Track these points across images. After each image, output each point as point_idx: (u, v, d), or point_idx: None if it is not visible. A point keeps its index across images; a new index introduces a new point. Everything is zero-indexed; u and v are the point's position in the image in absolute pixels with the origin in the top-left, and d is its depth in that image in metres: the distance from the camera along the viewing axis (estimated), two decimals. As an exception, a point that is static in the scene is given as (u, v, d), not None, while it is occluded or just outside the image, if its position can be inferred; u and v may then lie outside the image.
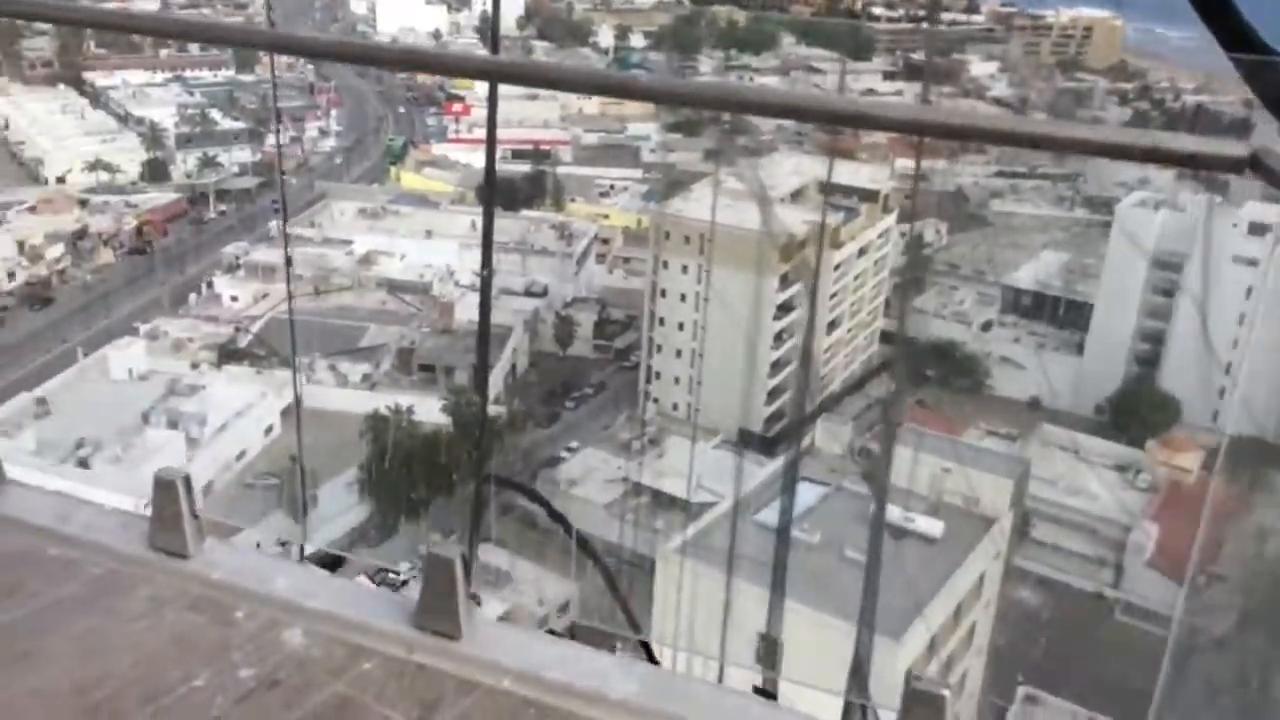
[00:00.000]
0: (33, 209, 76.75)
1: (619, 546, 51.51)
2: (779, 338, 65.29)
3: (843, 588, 32.74)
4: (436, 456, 55.21)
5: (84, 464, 51.89)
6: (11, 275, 69.42)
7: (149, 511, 2.20)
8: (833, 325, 68.04)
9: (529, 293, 71.37)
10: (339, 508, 53.42)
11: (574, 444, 61.29)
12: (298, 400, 56.68)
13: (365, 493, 55.13)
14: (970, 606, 38.83)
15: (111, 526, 2.26)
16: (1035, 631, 46.59)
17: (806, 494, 43.28)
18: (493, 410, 60.43)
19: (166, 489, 2.13)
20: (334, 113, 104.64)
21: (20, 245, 71.16)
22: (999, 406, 65.01)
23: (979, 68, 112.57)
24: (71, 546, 2.17)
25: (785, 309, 65.49)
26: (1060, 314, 72.63)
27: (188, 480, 2.16)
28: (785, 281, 64.68)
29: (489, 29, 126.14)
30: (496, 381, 63.81)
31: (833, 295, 67.21)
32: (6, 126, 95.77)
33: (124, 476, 50.92)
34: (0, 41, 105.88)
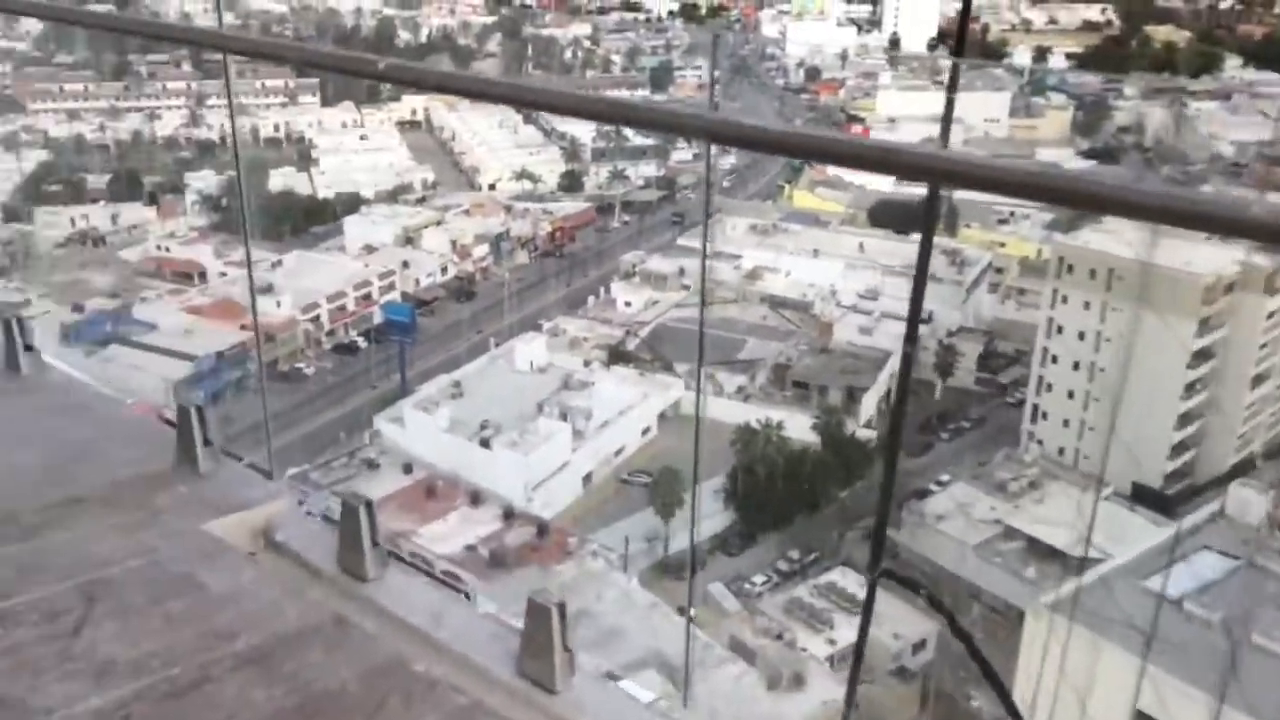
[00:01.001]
0: (467, 212, 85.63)
1: (985, 591, 48.77)
2: (1191, 388, 58.81)
3: (1246, 679, 28.86)
4: (803, 473, 55.10)
5: (485, 444, 56.93)
6: (444, 270, 77.82)
7: (519, 627, 2.03)
8: (1259, 379, 60.38)
9: (913, 318, 69.44)
10: (704, 512, 54.74)
11: (944, 477, 58.77)
12: (698, 418, 58.58)
13: (730, 501, 56.06)
14: None
15: (481, 639, 2.13)
16: None
17: (1210, 566, 38.73)
18: (864, 434, 59.43)
19: (539, 614, 1.95)
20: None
21: (453, 244, 79.64)
22: None
23: None
24: (439, 659, 2.06)
25: (1202, 356, 58.88)
26: None
27: (562, 608, 1.97)
28: (1205, 326, 58.17)
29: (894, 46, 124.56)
30: (870, 405, 62.69)
31: (1262, 346, 59.68)
32: (453, 138, 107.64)
33: (518, 459, 55.43)
34: (458, 61, 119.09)
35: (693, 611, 46.63)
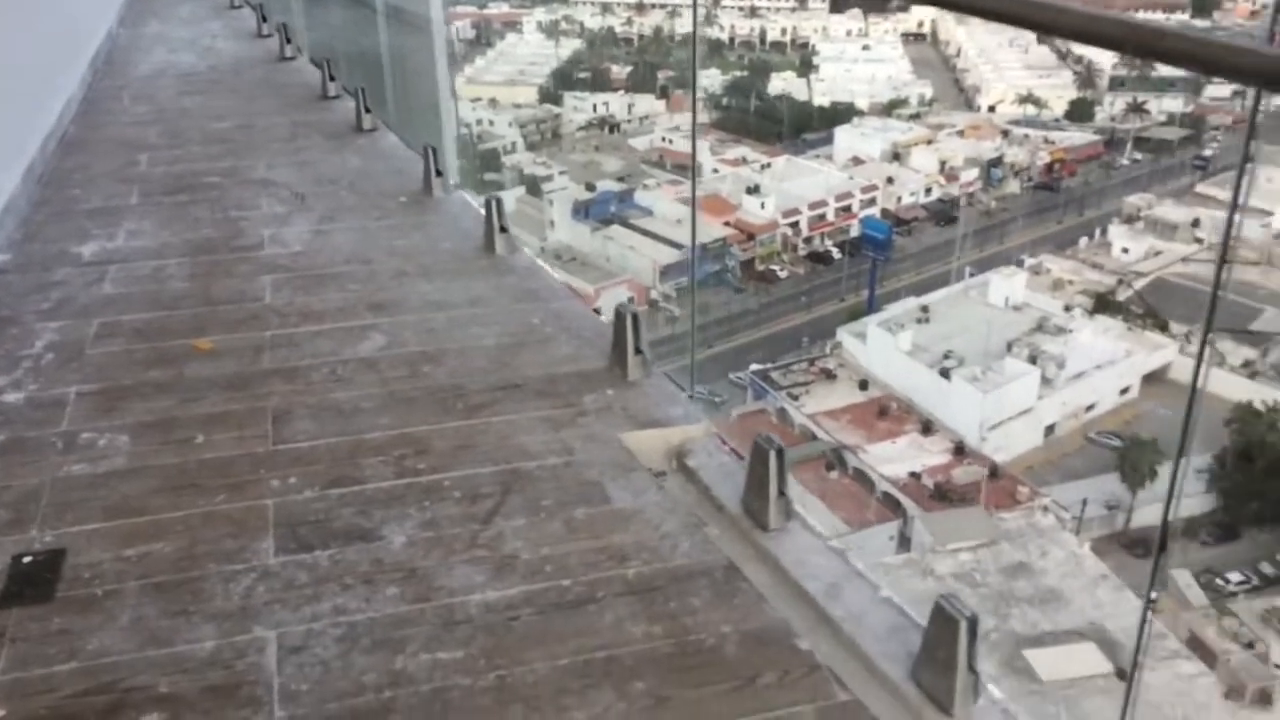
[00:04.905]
0: (961, 133, 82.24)
1: None
2: None
3: None
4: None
5: (945, 374, 55.37)
6: (928, 190, 75.75)
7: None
8: None
9: None
10: (1182, 492, 49.44)
11: None
12: (1194, 387, 53.29)
13: (1214, 485, 50.15)
14: None
15: (879, 628, 1.87)
16: None
17: None
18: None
19: (947, 624, 1.66)
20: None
21: (942, 164, 77.04)
22: None
23: None
24: (826, 639, 1.84)
25: None
26: None
27: (974, 623, 1.65)
28: None
29: None
30: None
31: None
32: (958, 54, 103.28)
33: (977, 395, 53.36)
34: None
35: (1153, 595, 42.49)
